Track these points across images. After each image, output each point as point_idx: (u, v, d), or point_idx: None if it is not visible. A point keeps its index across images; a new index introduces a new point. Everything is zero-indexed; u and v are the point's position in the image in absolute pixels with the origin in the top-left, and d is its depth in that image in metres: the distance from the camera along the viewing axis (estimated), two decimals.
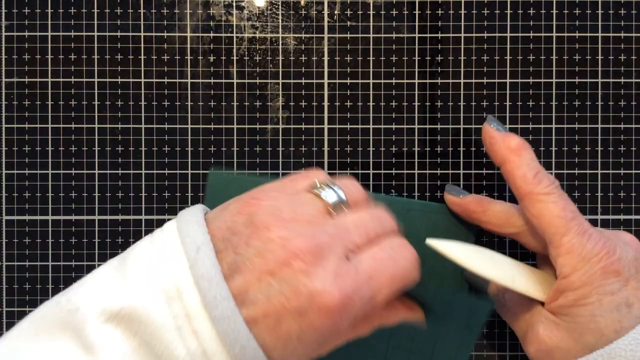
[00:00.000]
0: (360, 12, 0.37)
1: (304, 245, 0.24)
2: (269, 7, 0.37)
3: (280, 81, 0.37)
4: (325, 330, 0.25)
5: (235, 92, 0.37)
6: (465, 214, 0.33)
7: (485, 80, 0.37)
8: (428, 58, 0.37)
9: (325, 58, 0.37)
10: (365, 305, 0.25)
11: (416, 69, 0.37)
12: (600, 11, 0.37)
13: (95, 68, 0.37)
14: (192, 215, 0.26)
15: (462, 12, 0.37)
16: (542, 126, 0.37)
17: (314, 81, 0.37)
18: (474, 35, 0.37)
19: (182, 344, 0.23)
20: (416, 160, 0.37)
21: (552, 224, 0.29)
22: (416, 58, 0.37)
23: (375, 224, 0.27)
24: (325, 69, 0.37)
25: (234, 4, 0.37)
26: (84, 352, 0.23)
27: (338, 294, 0.24)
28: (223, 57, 0.37)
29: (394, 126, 0.37)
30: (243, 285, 0.24)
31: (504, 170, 0.31)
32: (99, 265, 0.37)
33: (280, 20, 0.37)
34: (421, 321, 0.30)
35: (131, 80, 0.37)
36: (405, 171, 0.37)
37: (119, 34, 0.37)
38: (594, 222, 0.37)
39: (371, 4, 0.37)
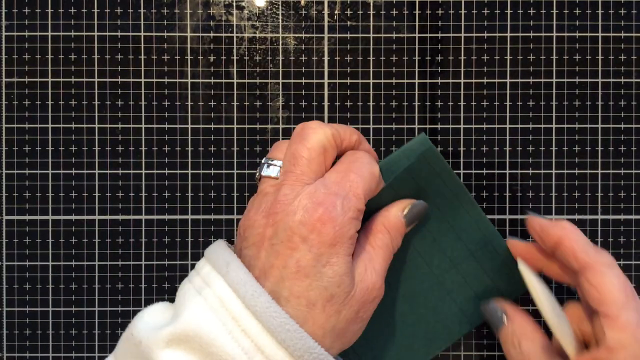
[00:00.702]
0: (360, 12, 0.37)
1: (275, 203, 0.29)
2: (269, 7, 0.37)
3: (280, 81, 0.37)
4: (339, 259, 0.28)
5: (235, 92, 0.37)
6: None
7: (485, 80, 0.37)
8: (428, 58, 0.37)
9: (325, 58, 0.37)
10: (352, 206, 0.29)
11: (416, 69, 0.37)
12: (600, 11, 0.37)
13: (95, 68, 0.37)
14: (216, 245, 0.30)
15: (462, 12, 0.37)
16: (542, 126, 0.37)
17: (314, 81, 0.37)
18: (474, 35, 0.37)
19: (236, 344, 0.26)
20: None
21: (612, 296, 0.28)
22: (416, 58, 0.37)
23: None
24: (325, 69, 0.37)
25: (234, 4, 0.37)
26: None
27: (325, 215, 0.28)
28: (223, 57, 0.37)
29: (394, 126, 0.37)
30: (274, 285, 0.28)
31: (562, 247, 0.31)
32: (99, 265, 0.37)
33: (280, 20, 0.37)
34: (423, 206, 0.33)
35: (131, 80, 0.37)
36: None
37: (119, 34, 0.37)
38: (594, 222, 0.37)
39: (371, 4, 0.37)
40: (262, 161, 0.31)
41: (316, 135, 0.30)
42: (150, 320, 0.29)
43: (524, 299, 0.36)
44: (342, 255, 0.28)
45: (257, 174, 0.31)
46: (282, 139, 0.37)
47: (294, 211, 0.28)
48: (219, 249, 0.30)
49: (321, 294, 0.27)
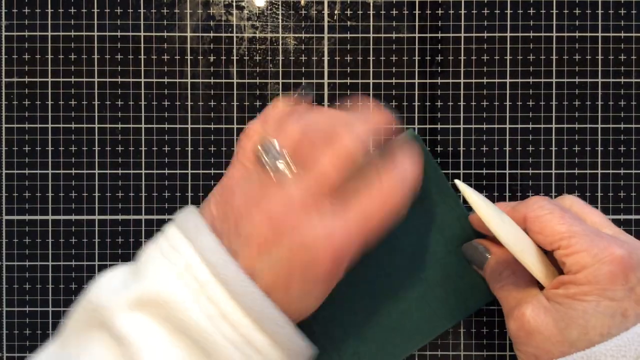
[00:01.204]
0: (360, 12, 0.37)
1: (290, 211, 0.28)
2: (269, 7, 0.37)
3: (280, 81, 0.37)
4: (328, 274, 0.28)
5: (235, 92, 0.37)
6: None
7: (485, 80, 0.37)
8: (428, 58, 0.37)
9: (325, 58, 0.37)
10: (360, 242, 0.29)
11: (416, 69, 0.37)
12: (600, 11, 0.37)
13: (95, 68, 0.37)
14: (187, 210, 0.30)
15: (462, 12, 0.37)
16: (542, 126, 0.37)
17: (314, 81, 0.37)
18: (474, 35, 0.37)
19: (200, 311, 0.26)
20: None
21: (554, 232, 0.29)
22: (416, 58, 0.37)
23: (342, 166, 0.28)
24: (325, 69, 0.37)
25: (234, 3, 0.37)
26: (116, 344, 0.26)
27: (331, 250, 0.27)
28: (223, 57, 0.37)
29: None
30: (249, 263, 0.27)
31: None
32: (99, 265, 0.37)
33: (280, 20, 0.37)
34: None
35: (131, 80, 0.37)
36: None
37: (119, 34, 0.37)
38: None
39: (371, 4, 0.37)
40: (264, 144, 0.29)
41: (349, 145, 0.28)
42: (109, 285, 0.28)
43: None
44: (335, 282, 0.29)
45: (258, 149, 0.29)
46: None
47: (308, 243, 0.27)
48: (189, 214, 0.29)
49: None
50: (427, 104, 0.37)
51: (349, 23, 0.37)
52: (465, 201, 0.35)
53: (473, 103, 0.37)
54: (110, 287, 0.28)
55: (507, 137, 0.37)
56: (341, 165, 0.28)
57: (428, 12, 0.37)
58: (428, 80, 0.37)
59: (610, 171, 0.37)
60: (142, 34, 0.37)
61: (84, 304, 0.28)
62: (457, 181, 0.30)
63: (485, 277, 0.33)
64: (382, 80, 0.37)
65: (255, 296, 0.27)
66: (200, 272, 0.27)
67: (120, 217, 0.37)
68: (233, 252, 0.27)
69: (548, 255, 0.31)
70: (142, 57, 0.37)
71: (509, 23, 0.37)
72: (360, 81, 0.37)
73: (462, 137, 0.37)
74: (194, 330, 0.26)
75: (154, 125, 0.37)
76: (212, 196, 0.30)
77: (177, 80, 0.37)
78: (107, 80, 0.37)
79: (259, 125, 0.30)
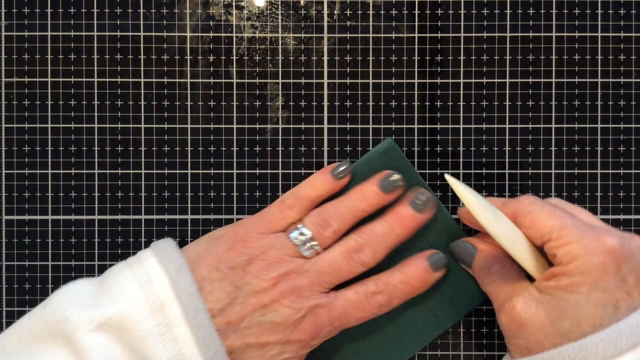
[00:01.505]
0: (360, 12, 0.37)
1: (287, 286, 0.31)
2: (268, 7, 0.37)
3: (280, 81, 0.37)
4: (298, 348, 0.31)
5: (235, 92, 0.37)
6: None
7: (485, 80, 0.37)
8: (428, 58, 0.37)
9: (325, 58, 0.37)
10: (330, 333, 0.32)
11: (416, 69, 0.37)
12: (600, 11, 0.37)
13: (95, 68, 0.37)
14: (167, 244, 0.32)
15: (462, 12, 0.37)
16: (542, 126, 0.37)
17: (314, 81, 0.37)
18: (473, 35, 0.37)
19: (163, 348, 0.28)
20: (416, 160, 0.37)
21: (546, 225, 0.29)
22: (416, 58, 0.37)
23: (350, 268, 0.32)
24: (325, 69, 0.37)
25: (234, 3, 0.37)
26: (76, 358, 0.27)
27: (313, 327, 0.31)
28: (223, 57, 0.37)
29: (394, 126, 0.37)
30: (238, 314, 0.30)
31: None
32: (99, 265, 0.37)
33: (280, 20, 0.37)
34: None
35: (131, 80, 0.37)
36: None
37: (119, 34, 0.37)
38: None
39: (371, 4, 0.37)
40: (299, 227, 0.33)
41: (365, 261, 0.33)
42: (76, 298, 0.28)
43: None
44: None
45: (293, 234, 0.33)
46: (282, 139, 0.37)
47: (299, 322, 0.31)
48: (170, 248, 0.31)
49: None
50: (427, 104, 0.37)
51: (348, 23, 0.37)
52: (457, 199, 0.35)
53: (473, 103, 0.37)
54: (78, 301, 0.28)
55: (507, 137, 0.37)
56: (353, 268, 0.32)
57: (428, 12, 0.37)
58: (428, 80, 0.37)
59: (610, 171, 0.37)
60: (142, 34, 0.37)
61: (44, 312, 0.28)
62: (446, 175, 0.30)
63: (474, 274, 0.33)
64: (382, 80, 0.37)
65: (217, 348, 0.29)
66: (172, 312, 0.28)
67: (120, 217, 0.37)
68: (230, 300, 0.30)
69: (538, 250, 0.31)
70: (142, 57, 0.37)
71: (508, 23, 0.37)
72: (360, 81, 0.37)
73: (462, 137, 0.37)
74: None
75: (154, 125, 0.37)
76: (223, 236, 0.33)
77: (177, 80, 0.37)
78: (107, 80, 0.37)
79: (293, 204, 0.33)
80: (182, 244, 0.37)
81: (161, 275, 0.29)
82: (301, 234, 0.32)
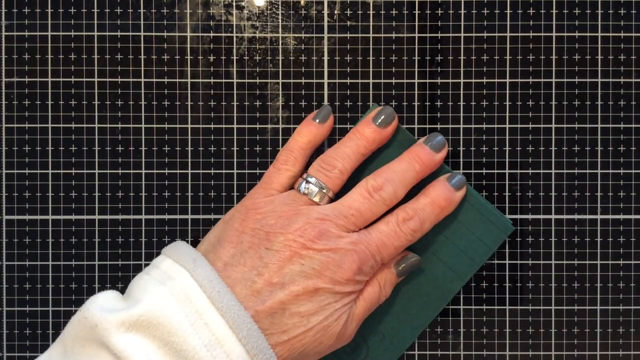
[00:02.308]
0: (360, 12, 0.37)
1: (313, 231, 0.31)
2: (269, 7, 0.37)
3: (280, 81, 0.37)
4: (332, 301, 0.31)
5: (235, 92, 0.37)
6: None
7: (485, 80, 0.37)
8: (428, 58, 0.37)
9: (325, 58, 0.37)
10: (373, 268, 0.32)
11: (416, 69, 0.37)
12: (600, 11, 0.37)
13: (95, 68, 0.37)
14: (177, 244, 0.32)
15: (462, 12, 0.37)
16: (542, 126, 0.37)
17: (314, 81, 0.37)
18: (473, 35, 0.37)
19: (197, 336, 0.27)
20: None
21: None
22: (416, 58, 0.37)
23: (372, 207, 0.32)
24: (325, 69, 0.37)
25: (234, 3, 0.37)
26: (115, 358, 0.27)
27: (355, 264, 0.31)
28: (223, 57, 0.37)
29: None
30: (278, 272, 0.30)
31: None
32: (99, 265, 0.37)
33: (280, 20, 0.37)
34: (416, 260, 0.35)
35: (131, 80, 0.37)
36: None
37: (119, 34, 0.37)
38: (593, 222, 0.37)
39: (371, 4, 0.37)
40: (305, 177, 0.33)
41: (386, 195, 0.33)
42: (106, 304, 0.29)
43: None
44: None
45: (300, 185, 0.33)
46: (282, 139, 0.37)
47: (340, 262, 0.31)
48: (182, 246, 0.31)
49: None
50: (427, 104, 0.37)
51: (349, 23, 0.37)
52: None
53: (473, 103, 0.37)
54: (104, 306, 0.29)
55: (507, 137, 0.37)
56: (375, 207, 0.33)
57: (428, 12, 0.37)
58: (428, 80, 0.37)
59: (610, 171, 0.37)
60: (142, 34, 0.37)
61: (80, 319, 0.28)
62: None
63: None
64: (382, 80, 0.37)
65: (249, 326, 0.28)
66: (198, 300, 0.28)
67: (120, 217, 0.37)
68: (261, 264, 0.30)
69: None
70: (142, 57, 0.37)
71: (509, 23, 0.37)
72: (360, 81, 0.37)
73: (462, 137, 0.37)
74: (189, 355, 0.27)
75: (154, 125, 0.37)
76: (235, 214, 0.32)
77: (177, 80, 0.37)
78: (107, 80, 0.37)
79: (286, 157, 0.34)
80: None
81: (179, 270, 0.29)
82: (308, 181, 0.33)
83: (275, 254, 0.30)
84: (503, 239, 0.36)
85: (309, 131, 0.35)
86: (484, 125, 0.37)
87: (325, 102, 0.37)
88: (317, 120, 0.35)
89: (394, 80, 0.37)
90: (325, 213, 0.32)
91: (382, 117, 0.34)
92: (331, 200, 0.33)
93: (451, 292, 0.36)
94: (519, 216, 0.37)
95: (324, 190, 0.33)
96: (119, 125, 0.37)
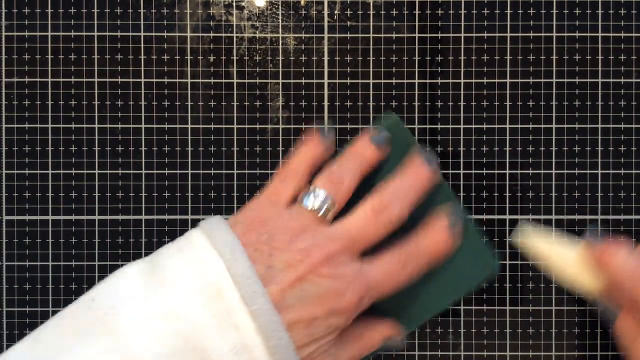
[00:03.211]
0: (360, 12, 0.37)
1: (320, 254, 0.28)
2: (269, 7, 0.37)
3: (280, 81, 0.37)
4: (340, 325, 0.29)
5: (235, 92, 0.37)
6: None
7: (485, 80, 0.37)
8: (428, 58, 0.37)
9: (325, 58, 0.37)
10: (367, 304, 0.30)
11: (416, 69, 0.37)
12: (600, 11, 0.37)
13: (95, 68, 0.37)
14: (218, 223, 0.29)
15: (462, 12, 0.37)
16: (542, 126, 0.37)
17: (314, 81, 0.37)
18: (474, 35, 0.37)
19: (223, 339, 0.25)
20: None
21: None
22: (416, 58, 0.37)
23: (378, 227, 0.31)
24: (325, 69, 0.37)
25: (234, 4, 0.37)
26: (123, 349, 0.25)
27: (357, 295, 0.29)
28: (223, 57, 0.37)
29: None
30: (279, 292, 0.27)
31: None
32: (99, 265, 0.37)
33: (280, 20, 0.37)
34: (400, 338, 0.33)
35: (131, 80, 0.37)
36: None
37: (119, 34, 0.37)
38: (594, 223, 0.37)
39: (371, 4, 0.37)
40: (311, 189, 0.31)
41: (394, 211, 0.31)
42: (125, 291, 0.27)
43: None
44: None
45: (305, 201, 0.31)
46: (282, 139, 0.37)
47: (343, 292, 0.29)
48: (220, 227, 0.29)
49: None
50: (427, 104, 0.37)
51: (349, 23, 0.37)
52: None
53: (473, 103, 0.37)
54: (128, 294, 0.26)
55: (507, 137, 0.37)
56: (382, 227, 0.31)
57: (428, 12, 0.37)
58: (428, 80, 0.37)
59: (610, 171, 0.37)
60: (142, 34, 0.37)
61: (91, 305, 0.26)
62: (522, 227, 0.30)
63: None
64: (382, 80, 0.37)
65: (281, 335, 0.26)
66: (230, 298, 0.26)
67: (120, 217, 0.37)
68: (264, 282, 0.27)
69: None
70: (142, 57, 0.37)
71: (509, 23, 0.37)
72: (360, 81, 0.37)
73: (462, 137, 0.37)
74: (213, 356, 0.26)
75: (154, 125, 0.37)
76: (237, 223, 0.30)
77: (177, 80, 0.37)
78: (107, 80, 0.37)
79: (296, 166, 0.32)
80: None
81: (215, 259, 0.27)
82: (315, 195, 0.30)
83: (278, 274, 0.28)
84: (482, 278, 0.34)
85: (315, 145, 0.33)
86: (484, 126, 0.37)
87: (326, 102, 0.37)
88: (322, 136, 0.33)
89: (394, 80, 0.37)
90: (333, 235, 0.30)
91: (383, 136, 0.33)
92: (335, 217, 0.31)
93: (478, 280, 0.34)
94: (519, 216, 0.37)
95: (331, 206, 0.31)
96: (119, 125, 0.37)
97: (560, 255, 0.30)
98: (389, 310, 0.33)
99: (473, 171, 0.37)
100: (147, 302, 0.26)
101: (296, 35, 0.37)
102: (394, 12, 0.37)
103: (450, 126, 0.37)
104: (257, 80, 0.37)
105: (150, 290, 0.26)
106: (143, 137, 0.37)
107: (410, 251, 0.31)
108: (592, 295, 0.29)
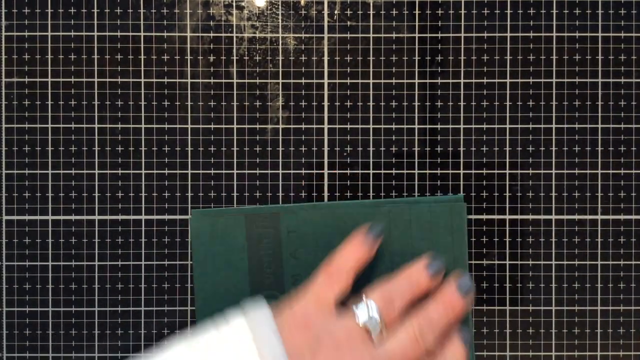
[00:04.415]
0: (360, 12, 0.37)
1: None
2: (269, 7, 0.37)
3: (280, 81, 0.37)
4: None
5: (235, 92, 0.37)
6: None
7: (485, 80, 0.37)
8: (428, 58, 0.37)
9: (325, 58, 0.37)
10: None
11: (416, 69, 0.37)
12: (600, 11, 0.37)
13: (95, 68, 0.37)
14: (266, 319, 0.30)
15: (462, 12, 0.37)
16: (542, 126, 0.37)
17: (314, 81, 0.37)
18: (474, 35, 0.37)
19: None
20: (416, 160, 0.37)
21: None
22: (416, 58, 0.37)
23: (414, 352, 0.31)
24: (325, 69, 0.37)
25: (234, 4, 0.37)
26: None
27: None
28: (223, 57, 0.37)
29: (394, 126, 0.37)
30: None
31: None
32: (99, 265, 0.37)
33: (280, 20, 0.37)
34: None
35: (131, 80, 0.37)
36: (405, 171, 0.37)
37: (119, 34, 0.37)
38: (594, 222, 0.37)
39: (371, 4, 0.37)
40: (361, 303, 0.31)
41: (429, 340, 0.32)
42: None
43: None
44: None
45: (360, 317, 0.31)
46: (282, 139, 0.37)
47: None
48: (270, 332, 0.30)
49: None
50: (427, 104, 0.37)
51: (349, 23, 0.37)
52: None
53: (473, 103, 0.37)
54: None
55: (507, 137, 0.37)
56: (419, 351, 0.31)
57: (428, 12, 0.37)
58: (428, 80, 0.37)
59: (610, 171, 0.37)
60: (142, 34, 0.37)
61: None
62: None
63: None
64: (382, 80, 0.37)
65: None
66: None
67: (120, 217, 0.37)
68: None
69: None
70: (142, 57, 0.37)
71: (509, 23, 0.37)
72: (360, 81, 0.37)
73: (462, 137, 0.37)
74: None
75: (154, 125, 0.37)
76: (283, 323, 0.30)
77: (177, 80, 0.37)
78: (107, 80, 0.37)
79: (342, 266, 0.32)
80: (182, 244, 0.37)
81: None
82: (368, 307, 0.31)
83: None
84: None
85: (360, 245, 0.33)
86: (484, 126, 0.37)
87: (326, 102, 0.37)
88: (370, 238, 0.34)
89: (394, 80, 0.37)
90: (378, 355, 0.30)
91: (438, 266, 0.34)
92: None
93: None
94: (519, 216, 0.37)
95: (382, 328, 0.31)
96: (119, 125, 0.37)
97: None
98: None
99: (473, 171, 0.37)
100: None
101: (296, 35, 0.37)
102: (394, 12, 0.37)
103: (450, 126, 0.37)
104: (257, 80, 0.37)
105: None
106: (143, 137, 0.37)
107: None
108: None
